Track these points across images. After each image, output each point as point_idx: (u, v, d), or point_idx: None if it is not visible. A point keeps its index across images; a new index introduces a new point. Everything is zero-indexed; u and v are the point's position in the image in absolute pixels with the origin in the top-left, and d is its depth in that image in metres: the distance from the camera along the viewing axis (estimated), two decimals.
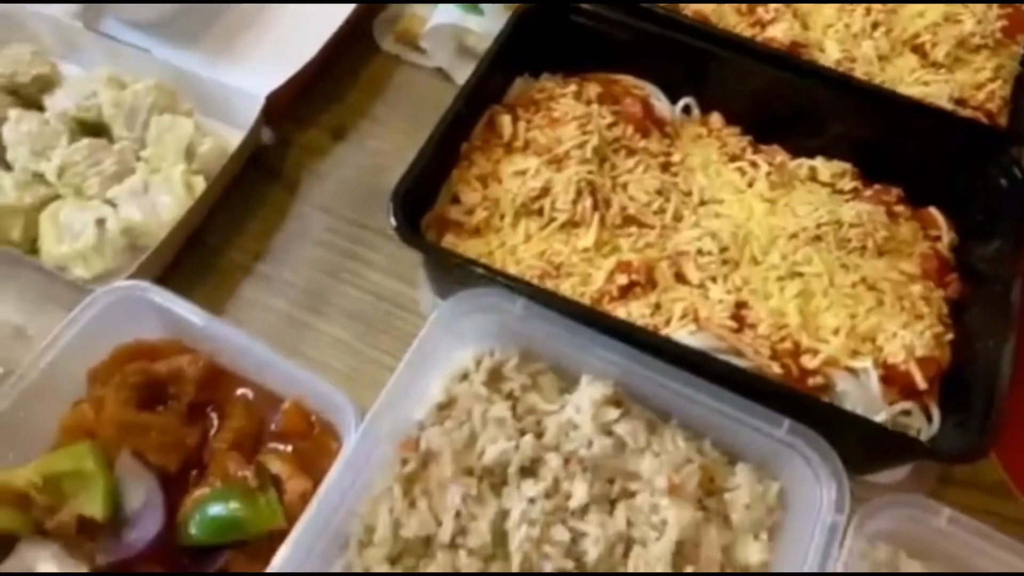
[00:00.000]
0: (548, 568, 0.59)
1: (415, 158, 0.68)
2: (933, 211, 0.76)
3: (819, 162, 0.77)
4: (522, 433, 0.63)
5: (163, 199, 0.77)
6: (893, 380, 0.64)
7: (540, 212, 0.71)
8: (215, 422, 0.67)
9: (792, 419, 0.59)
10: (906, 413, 0.64)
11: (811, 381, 0.64)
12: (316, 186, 0.87)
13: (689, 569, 0.59)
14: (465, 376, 0.66)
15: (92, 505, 0.59)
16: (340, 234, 0.84)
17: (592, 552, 0.59)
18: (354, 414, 0.62)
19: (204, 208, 0.79)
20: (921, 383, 0.64)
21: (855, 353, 0.65)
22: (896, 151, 0.76)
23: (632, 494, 0.62)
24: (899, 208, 0.75)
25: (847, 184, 0.76)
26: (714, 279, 0.68)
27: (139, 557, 0.59)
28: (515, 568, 0.59)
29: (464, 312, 0.64)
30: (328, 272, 0.82)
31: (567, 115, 0.75)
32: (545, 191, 0.71)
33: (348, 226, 0.84)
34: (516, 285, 0.64)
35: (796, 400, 0.61)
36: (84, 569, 0.58)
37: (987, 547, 0.57)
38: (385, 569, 0.58)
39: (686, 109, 0.81)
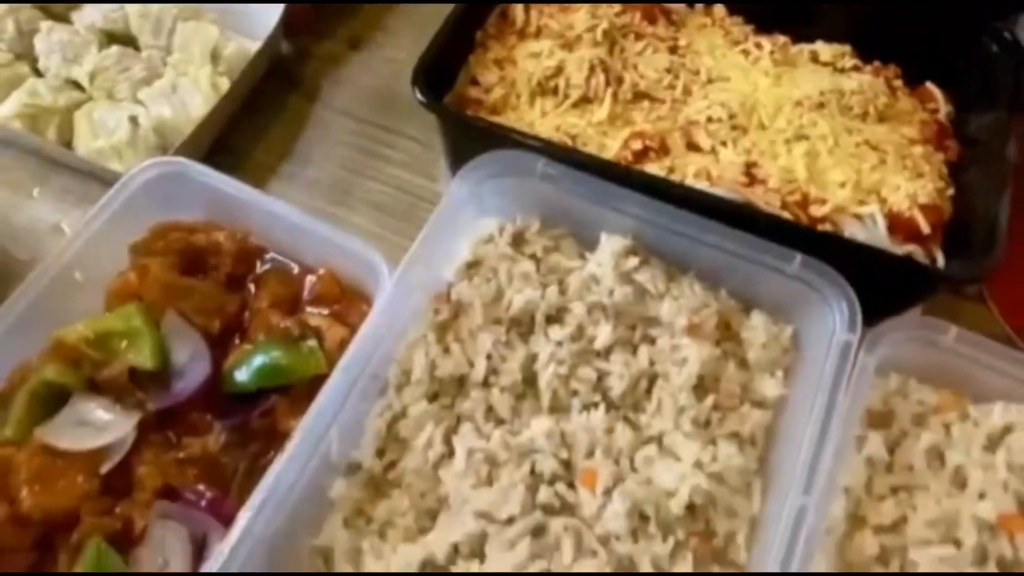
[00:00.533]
0: (577, 403, 0.62)
1: (433, 38, 0.72)
2: (930, 86, 0.79)
3: (819, 45, 0.81)
4: (546, 288, 0.66)
5: (192, 98, 0.80)
6: (898, 227, 0.67)
7: (555, 91, 0.75)
8: (253, 292, 0.70)
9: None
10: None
11: (820, 228, 0.67)
12: (336, 93, 0.90)
13: (710, 400, 0.62)
14: (490, 240, 0.69)
15: (142, 357, 0.62)
16: (361, 135, 0.87)
17: (617, 387, 0.62)
18: (387, 268, 0.65)
19: (231, 105, 0.82)
20: (925, 227, 0.67)
21: (861, 203, 0.68)
22: (892, 31, 0.79)
23: (653, 340, 0.65)
24: (897, 83, 0.79)
25: (847, 63, 0.79)
26: (724, 143, 0.72)
27: (188, 404, 0.62)
28: (545, 404, 0.62)
29: (487, 175, 0.67)
30: (351, 170, 0.85)
31: (577, 3, 0.78)
32: (559, 70, 0.74)
33: (368, 128, 0.88)
34: (538, 144, 0.67)
35: (809, 238, 0.64)
36: (135, 417, 0.61)
37: (995, 362, 0.60)
38: (423, 406, 0.61)
39: (689, 3, 0.85)
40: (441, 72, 0.74)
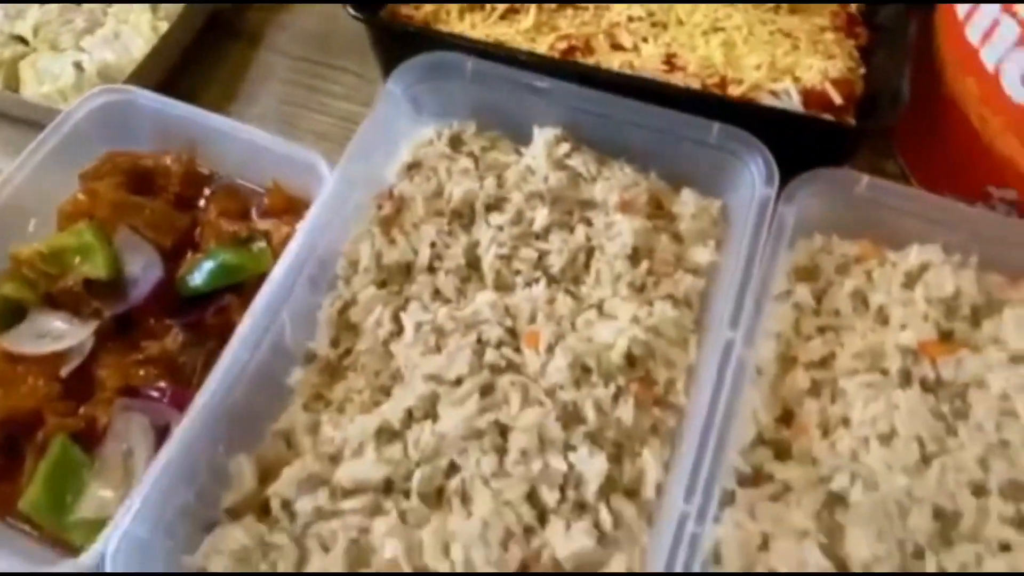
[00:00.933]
0: (520, 281, 0.65)
1: None
2: None
3: None
4: (484, 180, 0.69)
5: (133, 42, 0.83)
6: (812, 100, 0.71)
7: (482, 6, 0.78)
8: (203, 208, 0.72)
9: None
10: None
11: None
12: (277, 36, 0.93)
13: (644, 265, 0.65)
14: (429, 143, 0.72)
15: (96, 268, 0.64)
16: (303, 72, 0.90)
17: (556, 263, 0.65)
18: (328, 168, 0.67)
19: (173, 47, 0.85)
20: (837, 98, 0.71)
21: (776, 81, 0.72)
22: None
23: (589, 220, 0.68)
24: None
25: None
26: (645, 39, 0.75)
27: (144, 310, 0.64)
28: (489, 284, 0.65)
29: (418, 77, 0.70)
30: (295, 104, 0.88)
31: None
32: None
33: (310, 65, 0.91)
34: (466, 43, 0.70)
35: (728, 108, 0.68)
36: (92, 324, 0.63)
37: (906, 204, 0.63)
38: (372, 291, 0.64)
39: None
40: None
